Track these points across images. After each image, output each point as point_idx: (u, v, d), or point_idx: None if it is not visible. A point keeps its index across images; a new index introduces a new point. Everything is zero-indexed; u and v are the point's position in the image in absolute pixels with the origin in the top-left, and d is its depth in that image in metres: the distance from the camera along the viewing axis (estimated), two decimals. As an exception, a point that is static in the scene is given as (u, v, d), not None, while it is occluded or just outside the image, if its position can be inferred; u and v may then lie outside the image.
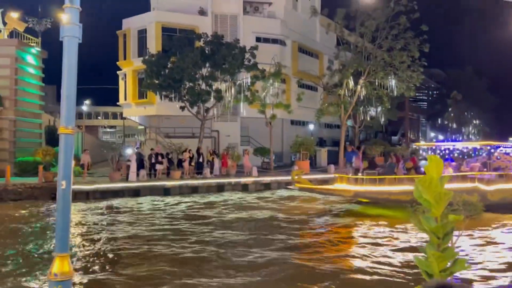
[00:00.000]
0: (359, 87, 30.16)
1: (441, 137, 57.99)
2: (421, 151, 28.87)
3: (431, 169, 2.64)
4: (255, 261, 9.76)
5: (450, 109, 57.84)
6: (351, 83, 30.33)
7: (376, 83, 30.63)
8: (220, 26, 34.69)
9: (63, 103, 3.38)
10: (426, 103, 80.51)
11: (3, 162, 25.63)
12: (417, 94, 50.65)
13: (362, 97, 31.61)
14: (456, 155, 21.18)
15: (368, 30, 29.25)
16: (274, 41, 35.90)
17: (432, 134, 64.13)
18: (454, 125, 57.36)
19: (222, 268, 9.17)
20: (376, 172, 20.33)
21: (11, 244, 11.80)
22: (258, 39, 34.36)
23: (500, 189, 16.02)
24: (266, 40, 35.23)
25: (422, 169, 19.84)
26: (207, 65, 27.04)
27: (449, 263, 2.63)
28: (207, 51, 27.27)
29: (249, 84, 27.98)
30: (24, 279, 8.69)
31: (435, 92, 76.87)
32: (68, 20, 3.24)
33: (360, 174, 20.96)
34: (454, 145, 20.40)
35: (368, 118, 35.47)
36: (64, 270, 3.46)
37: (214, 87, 27.06)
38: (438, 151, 20.80)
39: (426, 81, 55.28)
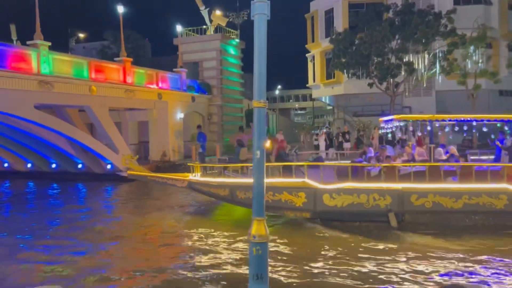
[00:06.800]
0: None
1: None
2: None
3: None
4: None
5: None
6: None
7: None
8: (411, -7, 32.05)
9: (255, 78, 3.61)
10: None
11: (213, 142, 29.73)
12: None
13: None
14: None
15: None
16: (477, 1, 31.28)
17: None
18: None
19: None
20: (226, 159, 16.97)
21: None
22: (456, 2, 30.49)
23: (343, 189, 10.36)
24: (466, 2, 30.97)
25: (289, 156, 14.98)
26: (397, 37, 25.48)
27: None
28: (396, 22, 25.67)
29: (445, 52, 25.21)
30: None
31: None
32: (257, -2, 3.43)
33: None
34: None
35: None
36: (261, 233, 3.76)
37: (404, 60, 25.37)
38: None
39: None
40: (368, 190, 10.29)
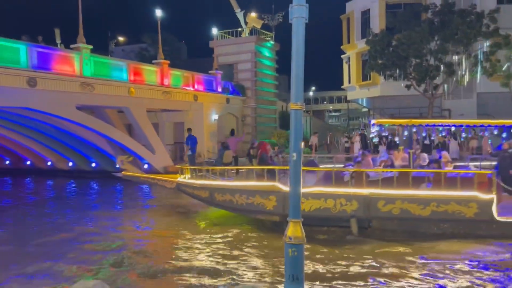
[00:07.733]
0: None
1: None
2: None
3: None
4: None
5: None
6: None
7: None
8: (451, -8, 31.09)
9: (293, 81, 3.64)
10: None
11: (248, 144, 29.85)
12: None
13: None
14: None
15: None
16: (522, -1, 29.94)
17: None
18: None
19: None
20: (213, 161, 17.64)
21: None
22: (500, 1, 29.32)
23: (311, 193, 10.01)
24: (510, 1, 29.72)
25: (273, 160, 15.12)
26: (436, 38, 24.79)
27: None
28: (435, 23, 24.99)
29: (488, 53, 24.30)
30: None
31: None
32: (296, 2, 3.46)
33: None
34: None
35: None
36: (297, 235, 3.78)
37: (444, 61, 24.65)
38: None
39: None
40: (335, 195, 10.03)
